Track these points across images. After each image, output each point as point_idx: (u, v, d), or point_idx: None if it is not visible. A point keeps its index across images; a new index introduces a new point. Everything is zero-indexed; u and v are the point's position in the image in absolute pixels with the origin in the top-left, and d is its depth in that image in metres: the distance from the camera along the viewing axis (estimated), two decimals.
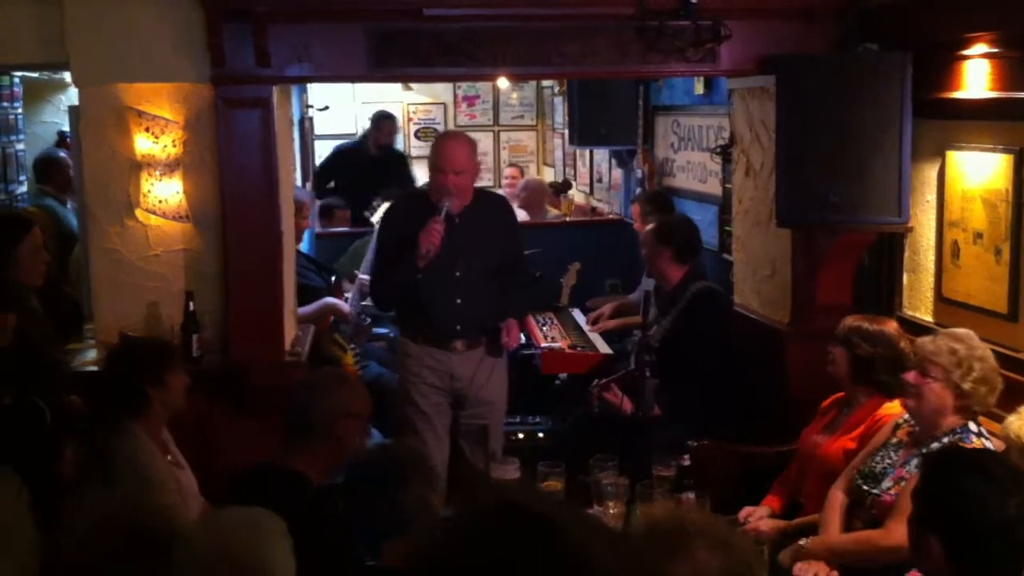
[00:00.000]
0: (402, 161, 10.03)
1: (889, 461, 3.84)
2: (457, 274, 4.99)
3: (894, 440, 3.91)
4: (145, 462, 3.81)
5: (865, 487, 3.83)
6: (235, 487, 3.48)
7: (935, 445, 3.68)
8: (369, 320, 6.64)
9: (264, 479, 3.51)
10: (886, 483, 3.78)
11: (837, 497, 3.93)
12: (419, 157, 11.34)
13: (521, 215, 9.25)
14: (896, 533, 3.48)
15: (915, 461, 3.72)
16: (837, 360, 4.21)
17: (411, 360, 5.11)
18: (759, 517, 4.20)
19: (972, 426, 3.73)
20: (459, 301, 5.02)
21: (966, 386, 3.68)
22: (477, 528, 1.41)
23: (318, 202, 8.52)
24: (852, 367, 4.17)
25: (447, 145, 5.12)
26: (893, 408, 4.02)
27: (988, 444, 3.67)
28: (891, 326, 4.22)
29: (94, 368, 4.83)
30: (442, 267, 4.92)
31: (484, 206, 5.18)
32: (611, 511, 3.80)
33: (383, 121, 9.71)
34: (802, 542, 3.74)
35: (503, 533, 1.39)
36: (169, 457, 3.99)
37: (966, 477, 2.63)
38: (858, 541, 3.70)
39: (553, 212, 9.59)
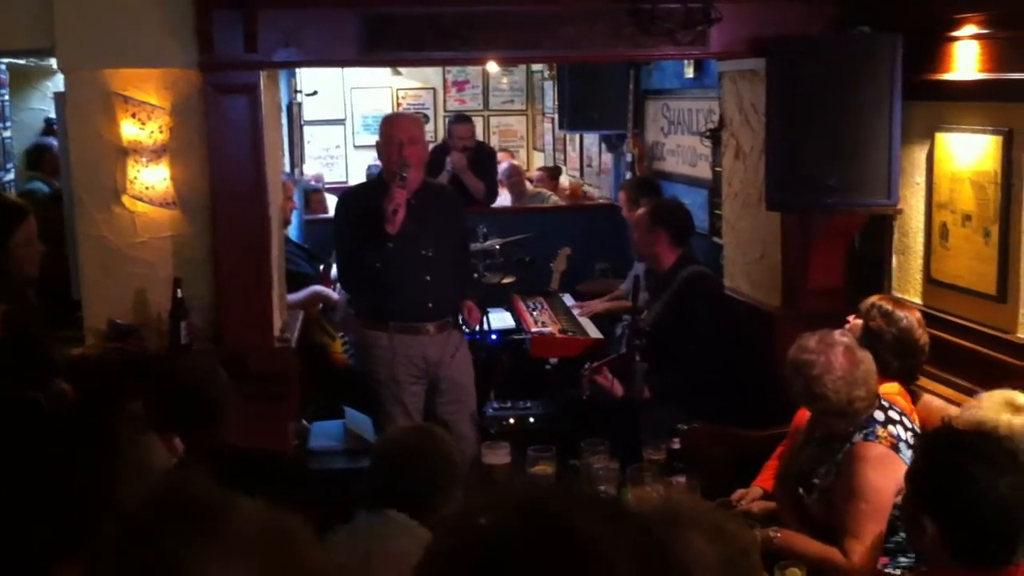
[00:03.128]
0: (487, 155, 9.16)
1: (811, 463, 3.85)
2: (423, 252, 5.14)
3: (816, 435, 3.92)
4: (151, 450, 3.79)
5: (801, 490, 3.85)
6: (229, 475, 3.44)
7: (847, 444, 3.71)
8: None
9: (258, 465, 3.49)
10: (814, 494, 3.79)
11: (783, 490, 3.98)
12: None
13: (507, 199, 9.25)
14: (853, 555, 3.53)
15: (834, 470, 3.74)
16: (851, 329, 4.21)
17: (383, 352, 5.18)
18: (751, 499, 4.20)
19: (878, 414, 3.72)
20: (428, 278, 5.16)
21: (818, 405, 3.74)
22: (497, 531, 1.39)
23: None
24: (862, 338, 4.15)
25: (397, 118, 5.61)
26: (890, 389, 4.02)
27: (894, 430, 3.68)
28: (913, 314, 4.22)
29: (85, 355, 4.81)
30: (409, 247, 5.07)
31: (434, 193, 5.43)
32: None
33: (451, 126, 8.78)
34: (771, 533, 3.72)
35: (524, 538, 1.36)
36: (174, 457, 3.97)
37: (961, 458, 2.64)
38: (820, 554, 3.62)
39: (552, 197, 9.54)
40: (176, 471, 2.15)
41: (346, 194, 5.73)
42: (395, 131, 5.16)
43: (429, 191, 5.33)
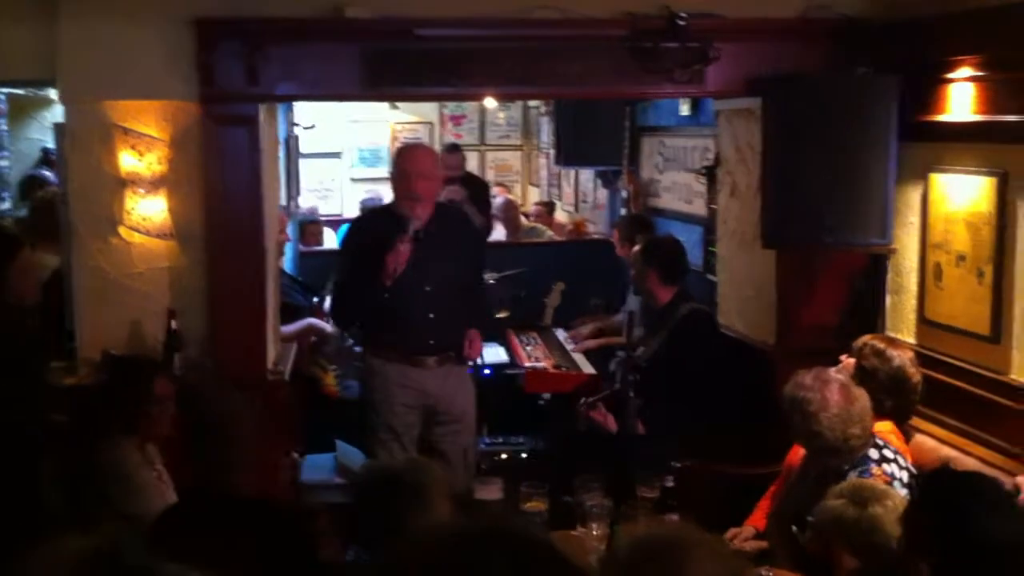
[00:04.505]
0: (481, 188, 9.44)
1: (806, 500, 3.84)
2: (427, 288, 5.06)
3: (811, 473, 3.92)
4: (135, 476, 3.79)
5: (794, 528, 3.84)
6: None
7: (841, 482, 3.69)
8: (351, 341, 6.63)
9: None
10: (808, 532, 3.78)
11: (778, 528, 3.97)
12: None
13: (501, 233, 9.26)
14: None
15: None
16: (844, 368, 4.21)
17: (382, 380, 5.14)
18: (744, 538, 4.20)
19: (872, 453, 3.75)
20: (431, 316, 5.08)
21: (814, 442, 3.75)
22: (461, 547, 1.43)
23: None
24: (855, 375, 4.15)
25: (412, 150, 5.46)
26: (883, 427, 4.02)
27: (888, 468, 3.70)
28: (906, 352, 4.22)
29: (78, 384, 4.81)
30: (412, 282, 4.99)
31: (446, 219, 5.28)
32: (595, 532, 3.79)
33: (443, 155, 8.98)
34: (764, 572, 3.71)
35: (487, 555, 1.40)
36: (155, 473, 3.97)
37: (957, 499, 2.64)
38: None
39: (547, 232, 9.54)
40: (110, 535, 2.09)
41: (357, 221, 5.68)
42: (408, 164, 5.10)
43: (442, 218, 5.21)
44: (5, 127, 8.28)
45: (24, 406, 4.12)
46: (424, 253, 5.00)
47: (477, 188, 8.75)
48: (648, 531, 2.32)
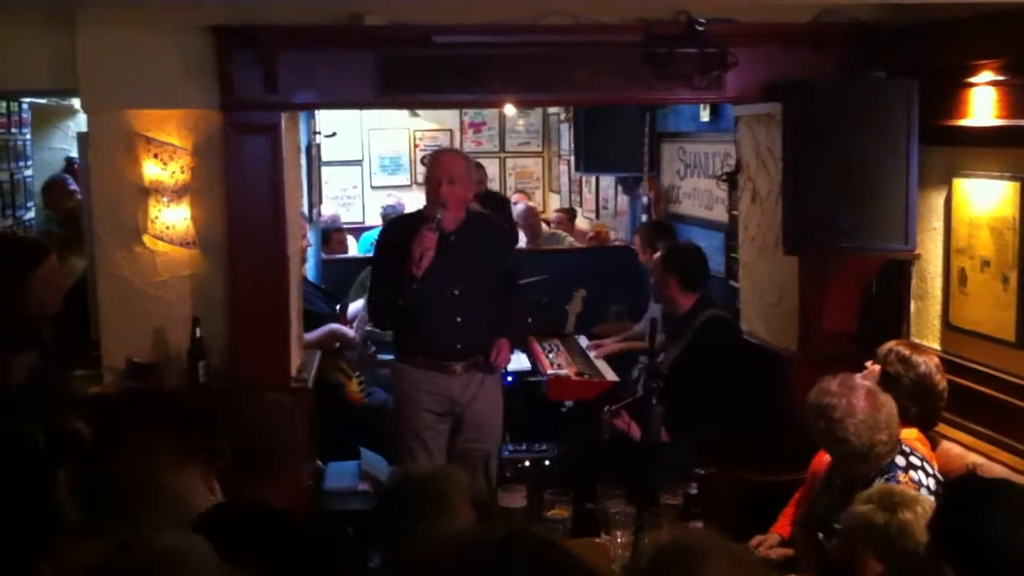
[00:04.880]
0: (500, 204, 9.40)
1: (831, 508, 3.83)
2: (455, 292, 5.04)
3: (837, 480, 3.90)
4: (195, 501, 3.74)
5: (820, 535, 3.82)
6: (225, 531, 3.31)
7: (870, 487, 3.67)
8: (375, 347, 6.64)
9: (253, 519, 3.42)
10: (835, 539, 3.76)
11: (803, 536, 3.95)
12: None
13: (522, 240, 9.26)
14: None
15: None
16: (869, 374, 4.20)
17: (409, 386, 5.13)
18: (769, 545, 4.18)
19: (899, 460, 3.72)
20: (459, 320, 5.05)
21: (839, 448, 3.73)
22: (480, 554, 1.44)
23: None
24: (880, 382, 4.13)
25: (442, 155, 5.40)
26: (909, 435, 4.00)
27: (915, 475, 3.68)
28: (931, 359, 4.20)
29: (102, 393, 4.84)
30: (440, 286, 4.97)
31: (479, 226, 5.27)
32: (619, 539, 3.78)
33: None
34: None
35: (510, 559, 1.42)
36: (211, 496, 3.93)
37: (983, 505, 2.62)
38: None
39: (568, 238, 9.55)
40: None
41: (389, 223, 5.70)
42: (436, 168, 5.07)
43: (473, 225, 5.18)
44: (29, 136, 8.35)
45: (34, 412, 4.14)
46: (453, 257, 4.97)
47: (497, 205, 8.76)
48: (669, 538, 2.32)
